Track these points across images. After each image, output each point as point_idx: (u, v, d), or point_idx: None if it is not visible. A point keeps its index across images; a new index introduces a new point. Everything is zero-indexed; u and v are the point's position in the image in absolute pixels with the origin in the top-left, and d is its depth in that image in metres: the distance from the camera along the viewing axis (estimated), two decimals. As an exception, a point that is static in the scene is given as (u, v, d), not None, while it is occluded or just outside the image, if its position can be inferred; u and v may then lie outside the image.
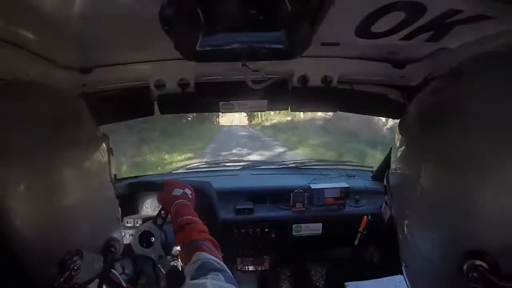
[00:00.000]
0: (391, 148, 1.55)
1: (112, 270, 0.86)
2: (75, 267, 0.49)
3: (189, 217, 0.86)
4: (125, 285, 0.87)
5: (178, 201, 0.94)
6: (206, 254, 0.72)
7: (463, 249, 0.37)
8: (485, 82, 0.39)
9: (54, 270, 0.48)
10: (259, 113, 12.15)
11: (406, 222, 0.48)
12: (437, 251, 0.42)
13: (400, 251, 0.52)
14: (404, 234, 0.50)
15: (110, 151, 0.61)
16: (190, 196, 0.99)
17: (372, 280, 1.34)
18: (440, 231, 0.41)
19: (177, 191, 0.98)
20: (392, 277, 1.29)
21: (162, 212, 1.06)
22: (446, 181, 0.39)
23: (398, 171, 0.50)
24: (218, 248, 0.78)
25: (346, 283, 1.33)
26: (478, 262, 0.35)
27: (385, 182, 0.56)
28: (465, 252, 0.37)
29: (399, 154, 0.50)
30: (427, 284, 0.47)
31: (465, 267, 0.36)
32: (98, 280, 0.59)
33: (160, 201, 1.05)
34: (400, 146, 0.49)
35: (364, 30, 0.68)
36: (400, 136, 0.50)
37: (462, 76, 0.44)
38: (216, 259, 0.71)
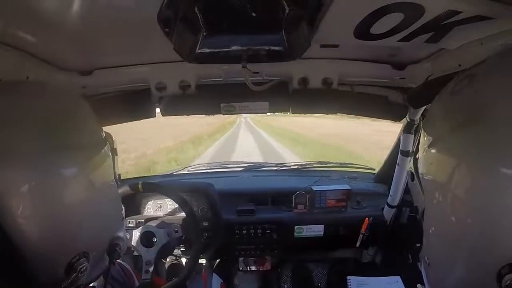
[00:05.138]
0: (392, 150, 1.56)
1: (121, 261, 0.87)
2: (82, 269, 0.50)
3: None
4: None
5: None
6: None
7: (499, 260, 0.36)
8: (507, 81, 0.39)
9: (61, 272, 0.48)
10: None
11: (437, 224, 0.48)
12: (470, 259, 0.41)
13: (424, 248, 0.51)
14: (432, 234, 0.49)
15: (114, 151, 0.61)
16: None
17: (373, 278, 1.34)
18: (474, 238, 0.40)
19: None
20: (391, 277, 1.29)
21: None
22: (480, 185, 0.38)
23: (429, 176, 0.49)
24: None
25: (348, 277, 1.34)
26: None
27: (414, 174, 0.54)
28: (503, 264, 0.36)
29: (427, 156, 0.48)
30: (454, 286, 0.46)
31: (504, 281, 0.36)
32: (103, 278, 0.60)
33: None
34: (428, 148, 0.48)
35: (363, 32, 0.68)
36: (425, 138, 0.49)
37: (480, 77, 0.43)
38: None
